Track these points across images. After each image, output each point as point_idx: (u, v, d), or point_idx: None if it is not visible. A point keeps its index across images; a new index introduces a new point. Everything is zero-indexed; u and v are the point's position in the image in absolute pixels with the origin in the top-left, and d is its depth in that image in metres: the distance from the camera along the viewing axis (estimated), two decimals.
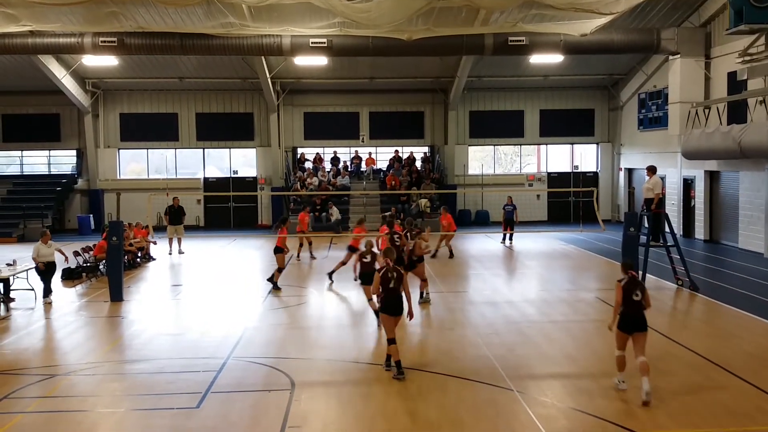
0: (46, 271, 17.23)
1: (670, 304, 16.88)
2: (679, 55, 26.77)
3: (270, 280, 18.94)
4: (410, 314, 11.47)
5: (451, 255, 23.82)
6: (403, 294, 11.18)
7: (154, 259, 24.72)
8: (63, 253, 17.87)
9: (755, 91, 23.09)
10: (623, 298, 10.19)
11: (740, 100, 24.03)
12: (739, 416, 9.46)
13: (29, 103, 34.86)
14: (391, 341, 11.05)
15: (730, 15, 22.68)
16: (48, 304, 16.99)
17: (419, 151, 36.75)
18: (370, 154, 36.39)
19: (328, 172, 35.20)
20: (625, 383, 10.41)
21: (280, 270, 18.90)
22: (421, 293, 16.52)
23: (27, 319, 15.89)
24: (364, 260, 14.66)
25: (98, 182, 35.21)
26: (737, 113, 24.53)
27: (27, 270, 17.92)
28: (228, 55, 28.02)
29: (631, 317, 10.15)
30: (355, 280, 15.23)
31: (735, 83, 24.46)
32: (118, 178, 35.87)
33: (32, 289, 17.65)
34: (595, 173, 36.74)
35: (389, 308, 11.08)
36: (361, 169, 36.05)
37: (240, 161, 36.97)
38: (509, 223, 27.61)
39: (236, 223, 35.79)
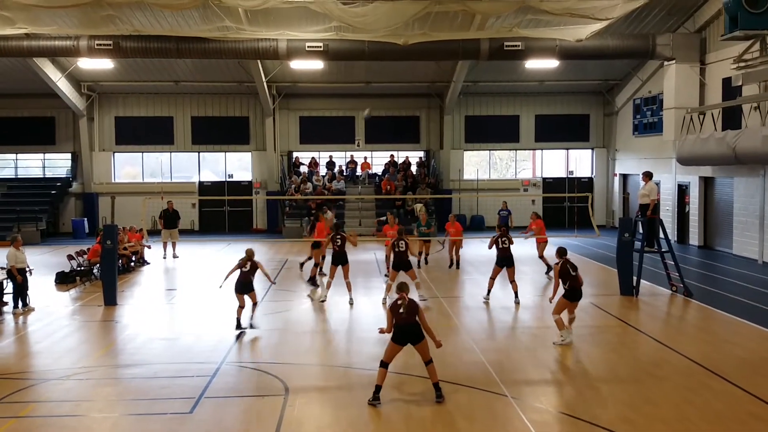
0: (24, 281, 16.83)
1: (665, 310, 16.91)
2: (674, 61, 26.84)
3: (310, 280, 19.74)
4: (437, 344, 10.57)
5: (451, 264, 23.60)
6: (421, 325, 10.40)
7: (148, 264, 24.67)
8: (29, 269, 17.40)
9: (750, 97, 23.15)
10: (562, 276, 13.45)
11: (735, 106, 24.09)
12: (732, 422, 9.48)
13: (24, 106, 34.79)
14: (382, 364, 10.42)
15: (725, 21, 22.74)
16: (18, 315, 16.55)
17: (415, 156, 36.76)
18: (365, 158, 36.40)
19: (323, 176, 35.19)
20: (569, 337, 13.39)
21: (315, 265, 19.86)
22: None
23: (20, 323, 15.85)
24: (243, 270, 14.53)
25: (93, 186, 35.13)
26: (732, 119, 24.60)
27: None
28: (224, 58, 27.97)
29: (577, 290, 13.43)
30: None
31: (730, 89, 24.50)
32: (113, 181, 35.79)
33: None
34: (590, 179, 36.78)
35: (395, 336, 10.41)
36: (357, 174, 36.06)
37: (235, 165, 36.94)
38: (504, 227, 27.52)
39: (231, 227, 35.75)
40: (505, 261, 17.58)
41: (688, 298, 17.52)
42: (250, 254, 14.80)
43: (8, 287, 17.30)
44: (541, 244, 21.48)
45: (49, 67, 30.59)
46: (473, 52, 26.08)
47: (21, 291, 16.90)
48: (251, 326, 14.61)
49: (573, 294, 13.43)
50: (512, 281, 17.59)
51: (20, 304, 16.87)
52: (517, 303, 17.24)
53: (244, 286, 14.55)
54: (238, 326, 14.53)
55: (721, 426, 9.37)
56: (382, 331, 10.65)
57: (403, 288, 10.65)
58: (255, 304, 14.83)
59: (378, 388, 10.32)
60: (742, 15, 21.59)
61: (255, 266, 14.68)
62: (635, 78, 32.48)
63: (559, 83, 34.45)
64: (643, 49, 26.93)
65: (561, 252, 13.81)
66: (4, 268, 17.72)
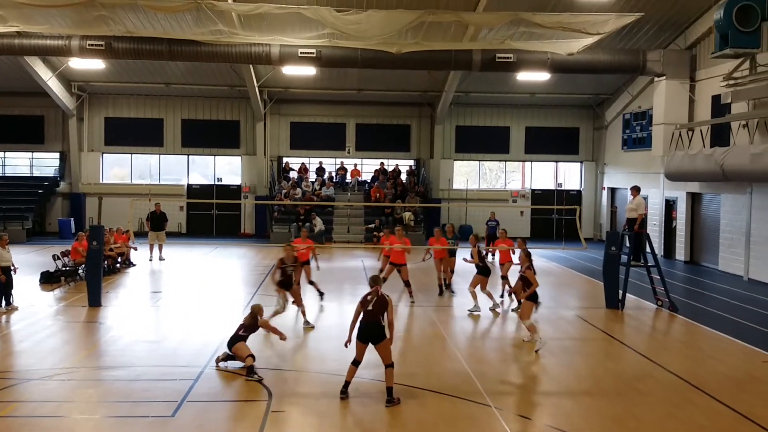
0: (8, 280, 16.73)
1: (650, 324, 16.96)
2: (664, 77, 27.01)
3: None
4: (390, 339, 10.61)
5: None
6: (385, 322, 10.53)
7: (134, 265, 24.55)
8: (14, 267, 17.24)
9: (738, 115, 23.33)
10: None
11: (724, 123, 24.26)
12: None
13: (13, 104, 34.61)
14: (354, 362, 10.66)
15: (715, 39, 22.94)
16: (1, 314, 16.38)
17: (405, 164, 36.81)
18: (355, 165, 36.43)
19: (313, 182, 35.16)
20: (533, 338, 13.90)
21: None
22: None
23: (3, 322, 15.71)
24: (242, 323, 12.72)
25: (81, 186, 34.97)
26: (720, 136, 24.76)
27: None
28: (216, 62, 27.94)
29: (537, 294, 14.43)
30: None
31: (719, 106, 24.69)
32: (101, 182, 35.64)
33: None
34: (579, 191, 36.94)
35: (359, 333, 10.55)
36: (346, 181, 36.07)
37: (225, 169, 36.89)
38: (492, 238, 27.62)
39: (219, 231, 35.65)
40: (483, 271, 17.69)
41: (673, 313, 17.58)
42: (255, 311, 12.80)
43: None
44: (506, 264, 19.46)
45: (39, 66, 30.46)
46: (465, 62, 26.15)
47: (6, 290, 16.77)
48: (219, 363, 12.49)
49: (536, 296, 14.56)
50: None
51: (3, 303, 16.73)
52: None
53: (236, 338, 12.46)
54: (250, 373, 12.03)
55: None
56: (347, 344, 10.76)
57: (377, 281, 10.89)
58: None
59: (347, 384, 10.69)
60: (733, 33, 21.79)
61: (254, 326, 12.62)
62: (625, 93, 32.67)
63: (550, 96, 34.61)
64: (633, 65, 27.10)
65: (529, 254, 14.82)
66: None
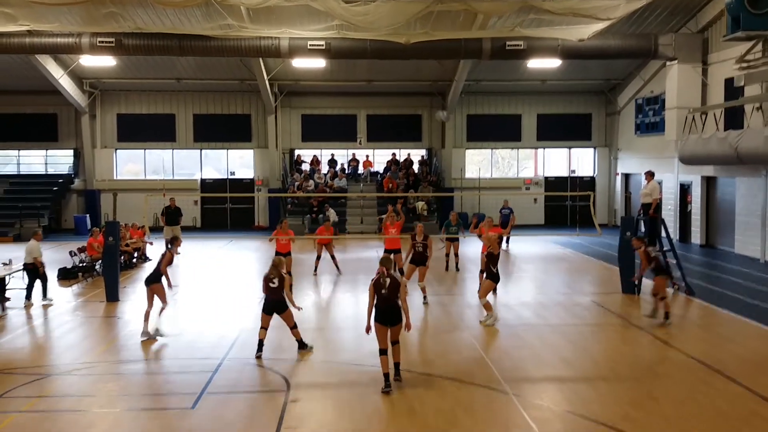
0: (33, 277, 17.09)
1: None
2: (676, 61, 26.82)
3: None
4: (407, 326, 10.69)
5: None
6: (401, 304, 10.58)
7: (150, 260, 24.66)
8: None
9: (752, 98, 23.14)
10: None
11: (737, 106, 24.08)
12: (734, 420, 9.48)
13: (26, 103, 34.77)
14: (381, 351, 10.61)
15: (727, 21, 22.71)
16: (45, 306, 16.76)
17: (417, 154, 36.78)
18: (367, 156, 36.43)
19: (325, 174, 35.21)
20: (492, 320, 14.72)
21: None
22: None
23: (23, 319, 15.88)
24: (271, 285, 12.43)
25: (95, 182, 35.16)
26: (734, 119, 24.58)
27: (23, 269, 17.76)
28: (226, 56, 27.99)
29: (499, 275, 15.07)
30: None
31: (732, 89, 24.50)
32: (115, 178, 35.84)
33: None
34: (592, 178, 36.78)
35: (379, 316, 10.54)
36: (359, 172, 36.09)
37: (237, 162, 36.97)
38: (506, 226, 27.55)
39: (233, 224, 35.77)
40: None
41: (689, 297, 17.53)
42: (276, 263, 12.56)
43: (10, 282, 17.33)
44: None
45: (51, 64, 30.61)
46: (475, 51, 26.05)
47: (44, 282, 17.26)
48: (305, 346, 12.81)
49: (498, 276, 15.16)
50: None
51: (42, 295, 17.21)
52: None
53: (276, 305, 12.48)
54: (260, 349, 12.46)
55: (724, 424, 9.38)
56: (368, 330, 10.75)
57: (385, 263, 10.80)
58: (293, 327, 12.81)
59: (386, 376, 10.51)
60: (744, 16, 21.54)
61: (282, 277, 12.45)
62: (637, 78, 32.46)
63: (561, 82, 34.42)
64: (645, 49, 26.91)
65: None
66: (6, 264, 17.74)
